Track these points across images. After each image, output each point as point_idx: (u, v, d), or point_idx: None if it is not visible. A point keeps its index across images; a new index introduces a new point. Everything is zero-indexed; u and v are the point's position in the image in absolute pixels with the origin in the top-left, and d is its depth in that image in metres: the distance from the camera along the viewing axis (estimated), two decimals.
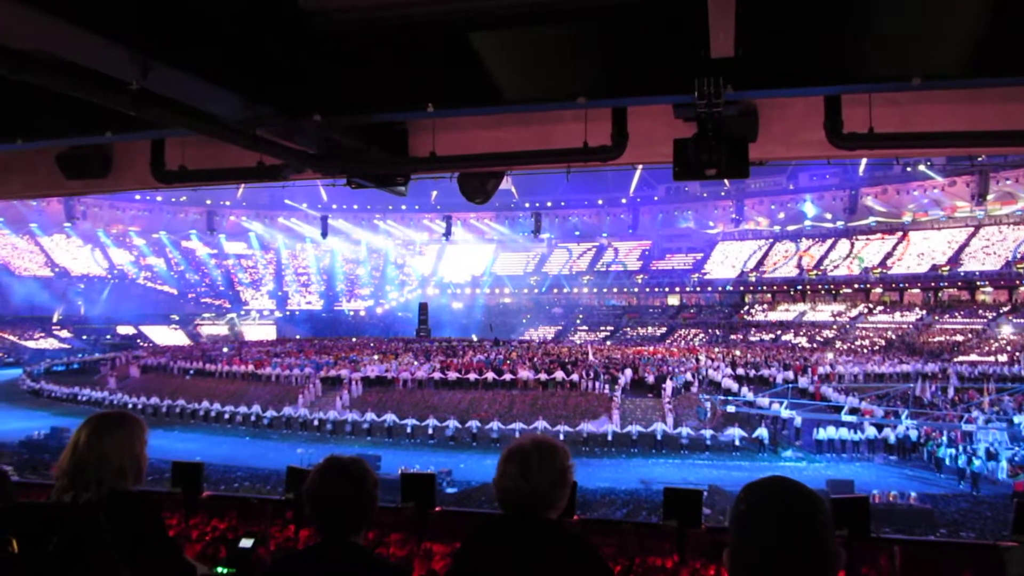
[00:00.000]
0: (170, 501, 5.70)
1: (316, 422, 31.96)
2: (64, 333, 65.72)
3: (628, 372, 34.96)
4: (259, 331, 73.57)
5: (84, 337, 65.63)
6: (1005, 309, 55.49)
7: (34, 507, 2.67)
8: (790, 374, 34.81)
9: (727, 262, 76.88)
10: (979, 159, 53.43)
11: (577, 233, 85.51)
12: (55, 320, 66.92)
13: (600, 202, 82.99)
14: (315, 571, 2.72)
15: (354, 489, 2.78)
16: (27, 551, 2.45)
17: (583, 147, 5.38)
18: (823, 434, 27.48)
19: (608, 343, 61.70)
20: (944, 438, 25.44)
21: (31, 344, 62.07)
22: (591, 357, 39.03)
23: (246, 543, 3.45)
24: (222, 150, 6.23)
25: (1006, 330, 52.58)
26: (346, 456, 2.89)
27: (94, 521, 2.49)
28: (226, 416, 33.77)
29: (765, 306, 70.54)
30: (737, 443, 27.81)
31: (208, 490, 6.30)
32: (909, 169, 61.80)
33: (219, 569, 3.32)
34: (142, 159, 6.64)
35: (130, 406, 34.12)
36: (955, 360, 43.81)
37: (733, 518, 1.66)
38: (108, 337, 66.42)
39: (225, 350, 45.62)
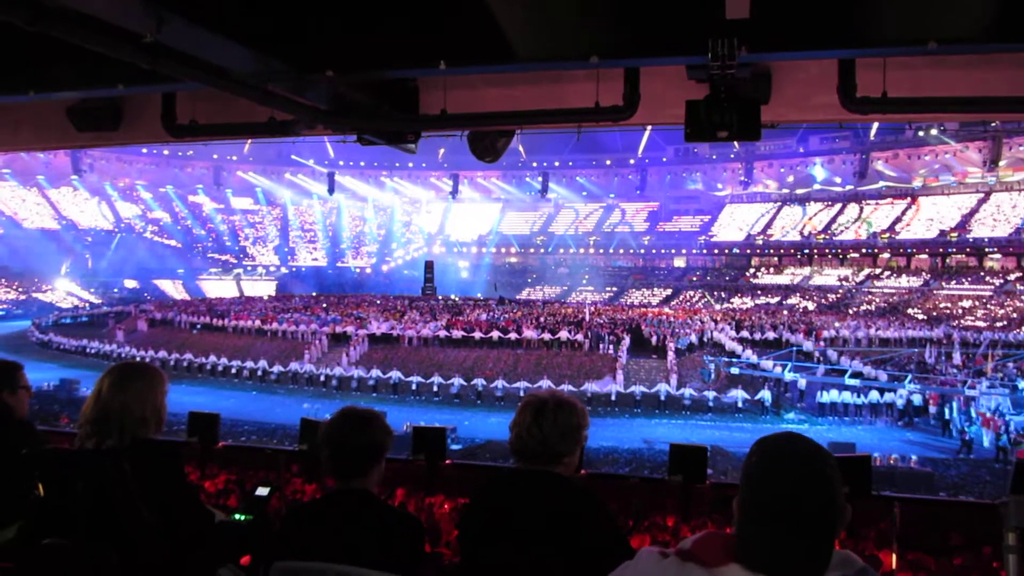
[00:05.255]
0: (186, 451, 5.81)
1: (322, 378, 32.25)
2: (72, 286, 65.99)
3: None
4: (262, 287, 73.60)
5: (92, 290, 65.94)
6: (1013, 276, 55.28)
7: (59, 453, 2.74)
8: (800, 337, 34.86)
9: (734, 224, 76.56)
10: (992, 125, 52.86)
11: (584, 193, 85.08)
12: (62, 272, 67.14)
13: (608, 162, 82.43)
14: (328, 517, 2.81)
15: (364, 430, 2.92)
16: (52, 494, 2.53)
17: (595, 107, 5.36)
18: (826, 397, 27.61)
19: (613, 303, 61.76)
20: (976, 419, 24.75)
21: (39, 296, 62.34)
22: (587, 317, 39.08)
23: (262, 491, 3.54)
24: (233, 105, 6.23)
25: None
26: (360, 407, 3.00)
27: (117, 467, 2.57)
28: (233, 371, 34.09)
29: (771, 269, 70.39)
30: (740, 405, 27.98)
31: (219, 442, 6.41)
32: (921, 134, 61.15)
33: (236, 516, 3.41)
34: (153, 113, 6.64)
35: (138, 359, 34.39)
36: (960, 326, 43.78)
37: (744, 470, 1.72)
38: (115, 291, 66.71)
39: (233, 309, 45.75)
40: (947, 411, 25.84)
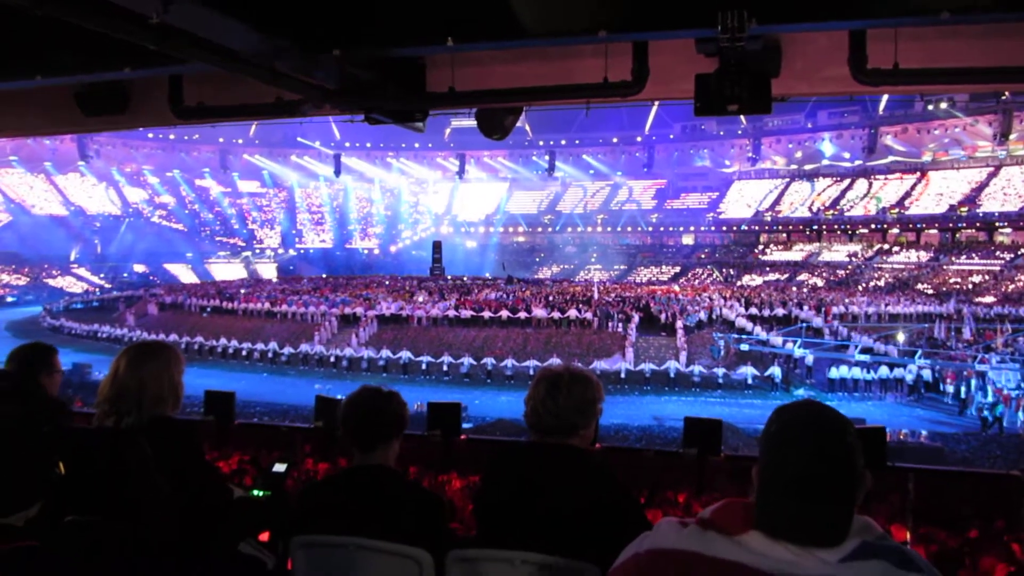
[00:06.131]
0: (202, 429, 5.85)
1: (332, 359, 32.39)
2: (82, 271, 66.30)
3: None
4: (269, 270, 73.69)
5: (101, 275, 66.21)
6: (1023, 250, 54.93)
7: (78, 431, 2.77)
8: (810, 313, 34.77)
9: (742, 201, 76.23)
10: (1003, 97, 52.30)
11: (591, 172, 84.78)
12: (72, 259, 67.40)
13: (615, 140, 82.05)
14: (348, 492, 2.84)
15: (385, 405, 3.01)
16: (73, 472, 2.56)
17: (603, 82, 5.32)
18: (836, 373, 27.60)
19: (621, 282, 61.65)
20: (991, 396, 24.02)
21: (49, 282, 62.61)
22: (596, 296, 39.04)
23: (279, 467, 3.58)
24: (240, 86, 6.21)
25: None
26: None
27: (136, 445, 2.59)
28: (243, 353, 34.26)
29: (780, 246, 70.11)
30: (749, 381, 28.00)
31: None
32: (931, 108, 60.62)
33: (254, 492, 3.45)
34: (160, 95, 6.62)
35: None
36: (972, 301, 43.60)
37: (763, 438, 1.73)
38: (125, 275, 66.96)
39: (242, 292, 45.85)
40: (964, 389, 25.35)
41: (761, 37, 4.73)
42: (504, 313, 35.22)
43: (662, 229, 77.62)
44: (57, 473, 2.49)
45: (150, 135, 75.88)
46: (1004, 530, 4.80)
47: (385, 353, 31.93)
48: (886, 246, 63.42)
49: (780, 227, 71.15)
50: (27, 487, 2.32)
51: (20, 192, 71.05)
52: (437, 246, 59.60)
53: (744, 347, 30.24)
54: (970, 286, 52.09)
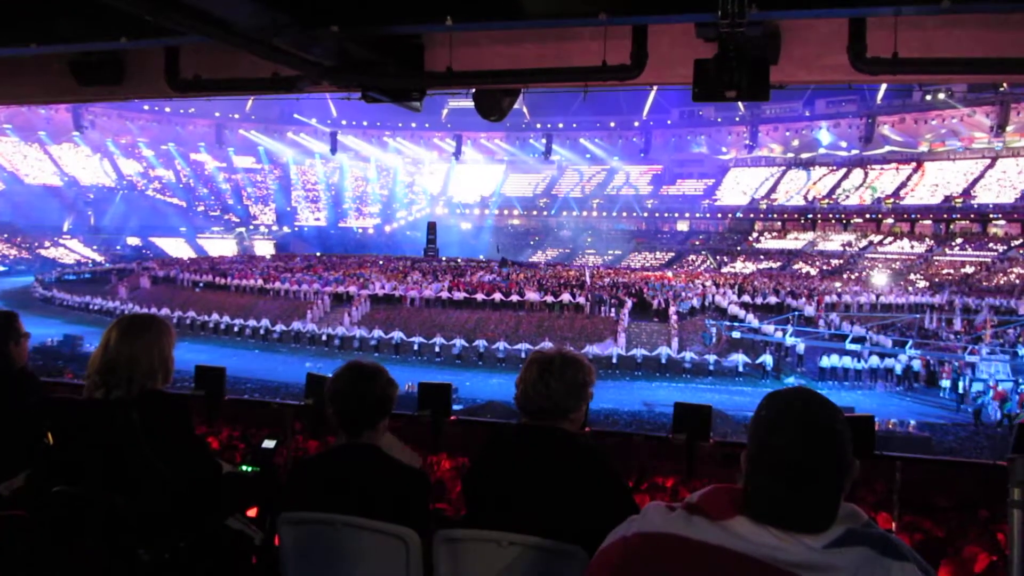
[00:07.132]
0: (192, 404, 5.84)
1: (324, 337, 32.40)
2: (74, 243, 66.01)
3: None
4: (263, 247, 73.45)
5: (94, 247, 65.93)
6: (1017, 243, 55.05)
7: (68, 403, 2.77)
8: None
9: (738, 188, 76.13)
10: (1001, 88, 52.28)
11: (588, 156, 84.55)
12: (65, 229, 67.06)
13: (612, 125, 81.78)
14: (336, 470, 2.84)
15: (372, 384, 2.97)
16: (62, 443, 2.56)
17: (602, 66, 5.30)
18: (827, 362, 27.71)
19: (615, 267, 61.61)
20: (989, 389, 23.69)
21: (42, 253, 62.33)
22: (589, 280, 39.05)
23: (269, 444, 3.58)
24: (237, 60, 6.17)
25: None
26: (364, 360, 3.03)
27: (126, 417, 2.59)
28: (235, 329, 34.21)
29: (775, 234, 70.10)
30: (740, 369, 28.09)
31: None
32: (928, 98, 60.56)
33: (243, 467, 3.45)
34: (156, 67, 6.57)
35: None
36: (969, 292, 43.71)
37: (753, 423, 1.73)
38: (118, 248, 66.69)
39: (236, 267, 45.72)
40: (961, 384, 25.09)
41: (761, 23, 4.71)
42: (497, 296, 35.22)
43: (657, 215, 77.43)
44: (45, 443, 2.50)
45: (146, 107, 75.30)
46: (989, 519, 4.84)
47: (377, 333, 31.94)
48: (879, 236, 63.47)
49: (775, 215, 71.07)
50: (10, 457, 2.32)
51: (14, 161, 70.55)
52: (432, 227, 59.38)
53: (736, 334, 30.33)
54: (962, 276, 52.24)
